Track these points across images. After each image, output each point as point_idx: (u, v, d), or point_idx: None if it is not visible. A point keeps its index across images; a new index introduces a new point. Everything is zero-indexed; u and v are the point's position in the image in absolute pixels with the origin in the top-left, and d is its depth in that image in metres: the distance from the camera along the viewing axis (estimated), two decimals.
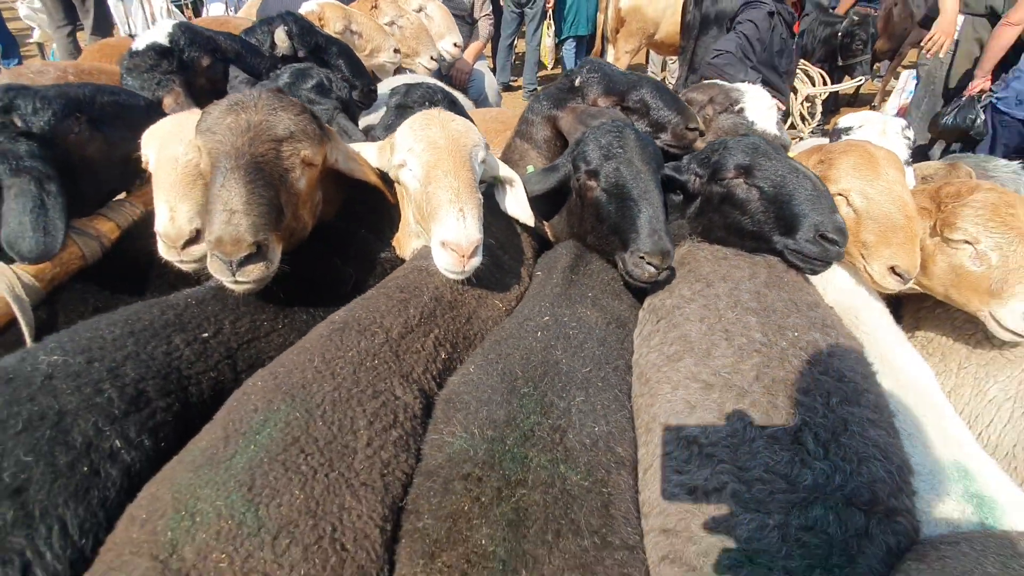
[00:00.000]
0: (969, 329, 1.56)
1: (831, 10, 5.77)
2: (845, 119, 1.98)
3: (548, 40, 6.70)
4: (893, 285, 1.42)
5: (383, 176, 1.57)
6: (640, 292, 1.50)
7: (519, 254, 1.60)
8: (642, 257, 1.29)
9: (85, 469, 0.93)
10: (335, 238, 1.51)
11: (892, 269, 1.39)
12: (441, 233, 1.24)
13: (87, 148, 1.54)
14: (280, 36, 2.14)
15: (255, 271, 1.19)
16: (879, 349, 1.40)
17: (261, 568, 0.80)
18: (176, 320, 1.17)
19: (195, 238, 1.34)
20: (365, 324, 1.16)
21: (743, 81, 2.18)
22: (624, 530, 0.97)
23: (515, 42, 6.98)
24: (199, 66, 1.88)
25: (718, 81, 2.10)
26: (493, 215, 1.58)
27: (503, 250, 1.54)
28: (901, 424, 1.19)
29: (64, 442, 0.93)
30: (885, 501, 0.96)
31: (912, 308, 1.75)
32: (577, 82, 1.71)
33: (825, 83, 4.03)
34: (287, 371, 1.06)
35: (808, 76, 4.02)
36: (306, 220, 1.43)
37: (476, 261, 1.26)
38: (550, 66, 7.25)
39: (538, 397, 1.08)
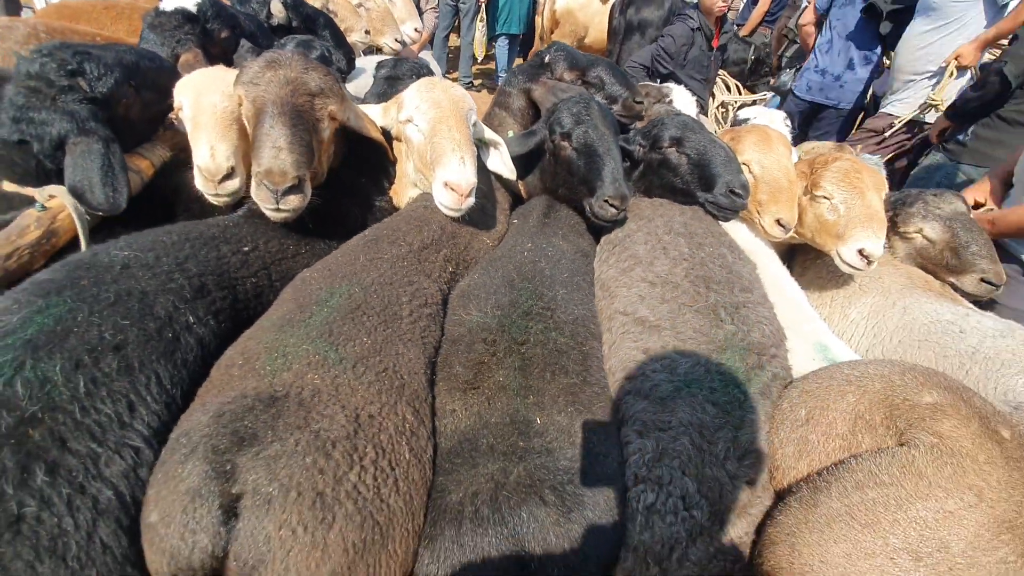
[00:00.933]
0: (837, 272, 2.13)
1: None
2: (743, 112, 2.59)
3: (478, 33, 7.06)
4: (778, 233, 1.90)
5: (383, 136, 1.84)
6: (597, 233, 1.91)
7: (500, 205, 1.95)
8: (607, 200, 1.68)
9: (169, 335, 1.13)
10: (341, 184, 1.76)
11: (778, 221, 1.89)
12: (444, 175, 1.54)
13: (131, 111, 1.70)
14: (276, 6, 2.33)
15: (295, 200, 1.42)
16: (769, 276, 1.91)
17: (347, 384, 1.07)
18: (221, 235, 1.38)
19: (229, 175, 1.52)
20: (393, 238, 1.45)
21: None
22: (597, 375, 1.35)
23: (449, 35, 7.29)
24: (218, 36, 2.05)
25: (652, 84, 2.63)
26: (478, 173, 1.91)
27: (487, 199, 1.88)
28: (784, 320, 1.69)
29: (151, 313, 1.13)
30: (768, 349, 1.43)
31: (800, 259, 2.31)
32: (547, 59, 2.13)
33: (740, 93, 4.77)
34: (338, 265, 1.32)
35: (727, 85, 4.73)
36: (324, 166, 1.68)
37: (471, 201, 1.58)
38: (480, 58, 7.61)
39: (531, 289, 1.43)
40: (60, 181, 1.52)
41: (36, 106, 1.48)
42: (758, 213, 1.94)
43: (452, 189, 1.54)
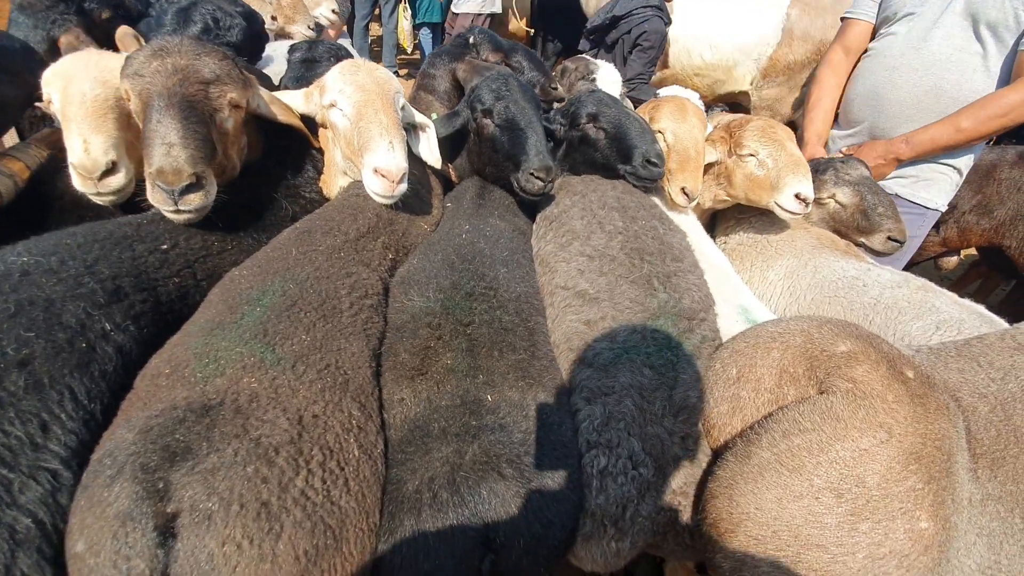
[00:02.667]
0: (753, 237, 2.29)
1: None
2: (663, 90, 2.72)
3: (406, 23, 6.88)
4: (682, 202, 2.00)
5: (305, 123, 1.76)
6: (532, 212, 1.94)
7: (433, 190, 1.93)
8: (532, 173, 1.71)
9: (83, 345, 1.04)
10: (264, 176, 1.67)
11: (683, 190, 1.99)
12: (374, 161, 1.51)
13: None
14: None
15: (195, 199, 1.33)
16: (693, 244, 2.04)
17: (287, 386, 1.04)
18: (135, 233, 1.28)
19: (110, 170, 1.39)
20: (327, 229, 1.41)
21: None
22: (544, 349, 1.39)
23: (369, 24, 7.07)
24: (97, 17, 1.84)
25: (586, 56, 2.68)
26: (410, 158, 1.88)
27: (420, 185, 1.86)
28: (710, 286, 1.82)
29: (59, 322, 1.03)
30: (697, 314, 1.53)
31: (721, 227, 2.48)
32: (471, 40, 2.12)
33: None
34: (268, 260, 1.27)
35: None
36: (235, 160, 1.58)
37: (403, 187, 1.56)
38: (409, 50, 7.44)
39: (472, 270, 1.45)
40: None
41: None
42: (667, 182, 2.04)
43: (382, 175, 1.51)
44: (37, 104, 1.57)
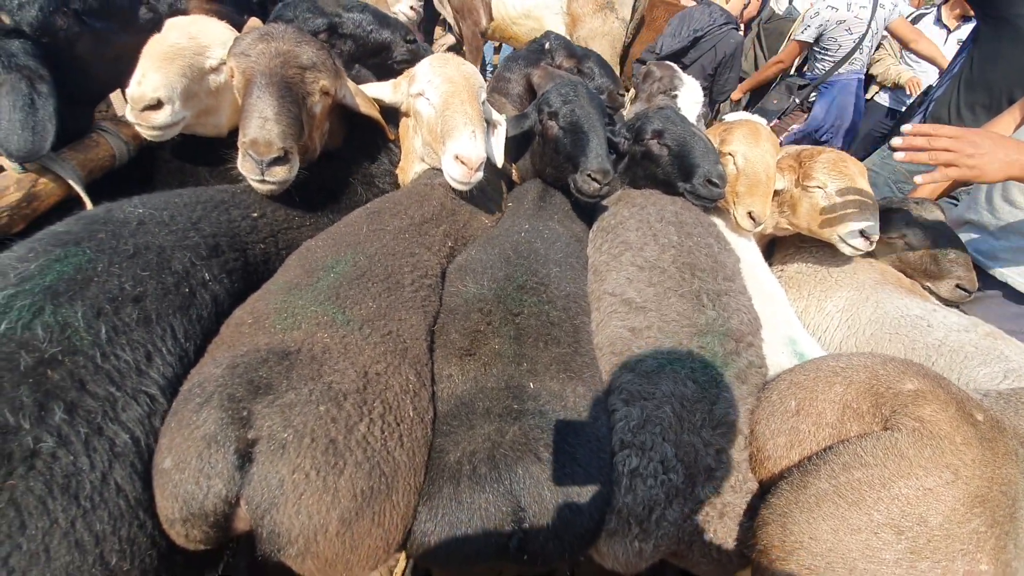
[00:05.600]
0: (813, 267, 2.30)
1: None
2: (729, 116, 2.77)
3: None
4: (748, 225, 2.05)
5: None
6: (589, 219, 2.04)
7: (497, 187, 2.07)
8: (589, 175, 1.81)
9: (186, 290, 1.22)
10: (343, 162, 1.86)
11: (749, 214, 2.04)
12: (456, 148, 1.64)
13: (76, 46, 1.58)
14: None
15: (280, 172, 1.48)
16: (747, 269, 2.07)
17: (355, 344, 1.17)
18: (231, 199, 1.47)
19: (155, 106, 1.51)
20: (394, 211, 1.56)
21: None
22: (587, 347, 1.48)
23: None
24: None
25: (674, 66, 2.78)
26: None
27: (486, 182, 1.99)
28: (759, 312, 1.85)
29: (168, 268, 1.21)
30: (745, 337, 1.58)
31: (779, 254, 2.49)
32: (547, 46, 2.27)
33: None
34: (341, 235, 1.42)
35: None
36: (316, 143, 1.76)
37: (479, 175, 1.68)
38: None
39: (526, 266, 1.56)
40: None
41: None
42: (734, 204, 2.10)
43: (462, 162, 1.64)
44: None
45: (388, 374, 1.18)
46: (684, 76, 2.65)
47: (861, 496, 1.04)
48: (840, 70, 4.61)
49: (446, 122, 1.66)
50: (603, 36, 4.45)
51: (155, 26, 1.69)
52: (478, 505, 1.20)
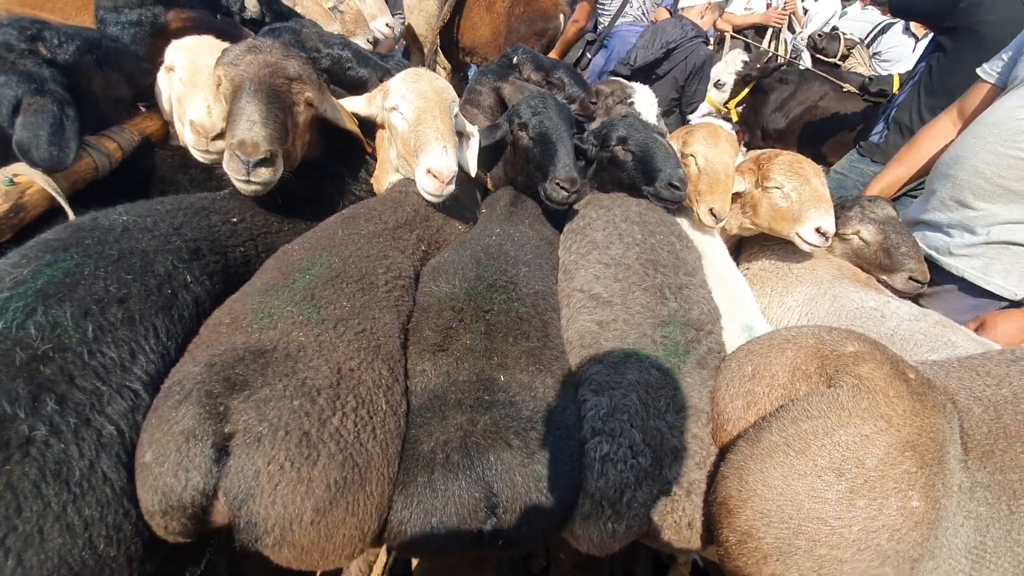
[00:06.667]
0: (775, 264, 2.43)
1: None
2: (695, 117, 2.94)
3: None
4: (710, 222, 2.18)
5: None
6: (559, 223, 2.16)
7: (471, 195, 2.19)
8: (558, 183, 1.94)
9: (168, 291, 1.30)
10: (321, 172, 1.96)
11: (711, 210, 2.17)
12: (428, 162, 1.76)
13: (92, 83, 1.81)
14: (251, 1, 2.53)
15: (265, 174, 1.58)
16: (714, 266, 2.20)
17: (329, 342, 1.26)
18: (211, 206, 1.56)
19: (221, 135, 1.68)
20: (369, 216, 1.66)
21: None
22: (555, 341, 1.58)
23: None
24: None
25: (619, 80, 2.95)
26: None
27: (461, 189, 2.11)
28: (722, 306, 1.97)
29: (151, 271, 1.29)
30: (705, 326, 1.69)
31: (745, 253, 2.64)
32: (515, 60, 2.41)
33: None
34: (317, 239, 1.52)
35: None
36: (297, 152, 1.86)
37: (451, 188, 1.79)
38: None
39: (496, 267, 1.66)
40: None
41: None
42: (696, 202, 2.23)
43: (435, 176, 1.76)
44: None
45: (361, 370, 1.27)
46: (633, 84, 2.83)
47: (807, 445, 1.15)
48: (617, 23, 5.06)
49: (419, 137, 1.77)
50: (419, 12, 4.84)
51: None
52: (452, 492, 1.27)
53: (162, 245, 1.35)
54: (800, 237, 2.17)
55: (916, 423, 1.17)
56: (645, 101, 2.70)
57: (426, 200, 1.83)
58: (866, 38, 6.48)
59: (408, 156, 1.85)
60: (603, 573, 2.24)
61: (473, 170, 2.16)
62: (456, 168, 1.77)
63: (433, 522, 1.28)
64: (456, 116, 1.94)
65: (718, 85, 5.10)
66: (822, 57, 5.56)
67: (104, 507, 1.06)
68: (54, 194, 1.54)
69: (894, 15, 3.92)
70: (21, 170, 1.58)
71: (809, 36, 5.71)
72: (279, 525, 1.08)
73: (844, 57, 5.45)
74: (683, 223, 2.32)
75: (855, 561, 1.07)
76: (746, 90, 5.12)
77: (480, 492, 1.28)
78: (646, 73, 4.47)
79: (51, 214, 1.61)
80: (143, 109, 1.96)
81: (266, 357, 1.18)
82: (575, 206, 2.23)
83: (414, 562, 2.29)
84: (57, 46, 1.66)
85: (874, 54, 6.36)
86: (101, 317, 1.17)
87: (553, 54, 5.24)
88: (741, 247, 2.69)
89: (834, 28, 6.39)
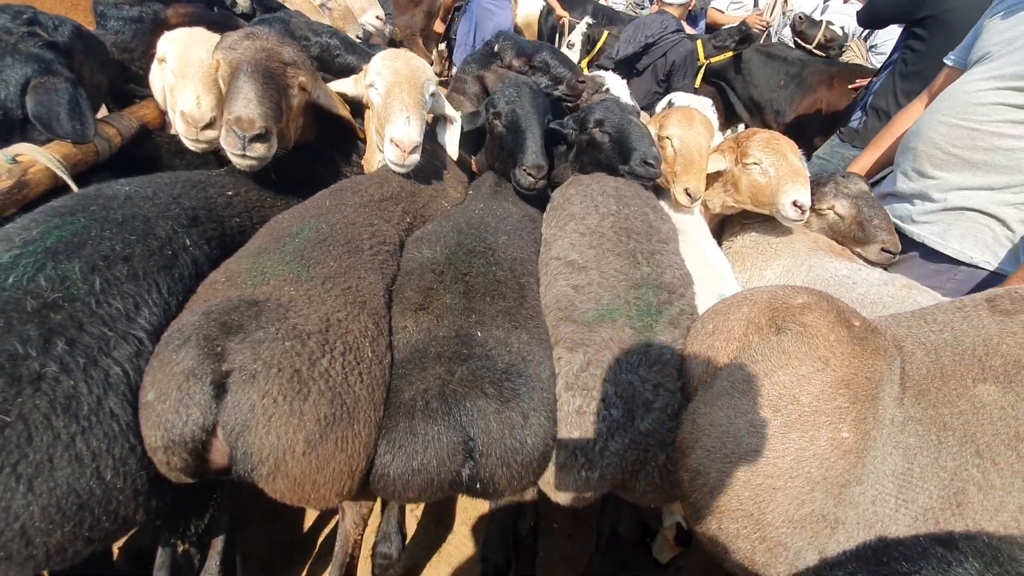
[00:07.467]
0: (755, 240, 2.54)
1: None
2: (675, 98, 3.09)
3: None
4: (686, 202, 2.30)
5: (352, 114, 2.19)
6: (541, 203, 2.28)
7: (458, 177, 2.32)
8: (525, 169, 2.07)
9: (169, 252, 1.43)
10: (313, 154, 2.10)
11: (686, 191, 2.30)
12: (391, 131, 1.89)
13: (83, 70, 1.96)
14: None
15: (260, 149, 1.70)
16: (695, 242, 2.32)
17: (318, 296, 1.38)
18: (207, 180, 1.69)
19: (210, 124, 1.81)
20: (355, 190, 1.79)
21: None
22: (531, 302, 1.69)
23: None
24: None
25: (589, 74, 3.10)
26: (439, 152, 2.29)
27: (447, 170, 2.24)
28: (700, 278, 2.08)
29: (153, 234, 1.42)
30: (677, 289, 1.80)
31: (727, 232, 2.75)
32: (496, 48, 2.55)
33: None
34: (307, 208, 1.65)
35: None
36: (290, 135, 1.99)
37: (415, 158, 1.92)
38: None
39: (477, 235, 1.79)
40: (26, 132, 1.74)
41: None
42: (672, 183, 2.36)
43: (396, 145, 1.89)
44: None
45: (348, 320, 1.38)
46: (601, 73, 2.97)
47: (750, 386, 1.26)
48: None
49: (386, 109, 1.91)
50: None
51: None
52: (431, 436, 1.38)
53: (162, 211, 1.48)
54: (779, 211, 2.28)
55: (853, 364, 1.27)
56: (616, 84, 2.85)
57: (393, 170, 1.95)
58: (862, 32, 6.63)
59: (380, 130, 1.98)
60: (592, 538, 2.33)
61: (454, 153, 2.29)
62: (419, 139, 1.89)
63: (414, 465, 1.39)
64: (434, 95, 2.07)
65: (569, 45, 5.59)
66: (800, 41, 5.70)
67: (111, 440, 1.18)
68: (57, 171, 1.67)
69: (863, 27, 4.13)
70: (23, 150, 1.71)
71: (794, 16, 5.86)
72: (273, 455, 1.19)
73: (828, 46, 5.58)
74: (664, 205, 2.44)
75: (787, 488, 1.17)
76: (595, 49, 5.57)
77: (458, 437, 1.39)
78: (627, 67, 4.62)
79: (54, 192, 1.73)
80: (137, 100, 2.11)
81: (259, 306, 1.30)
82: (559, 187, 2.36)
83: (410, 528, 2.39)
84: (54, 29, 1.80)
85: (871, 47, 6.50)
86: (108, 272, 1.29)
87: (438, 23, 5.60)
88: (723, 227, 2.81)
89: (829, 22, 6.53)
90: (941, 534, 1.08)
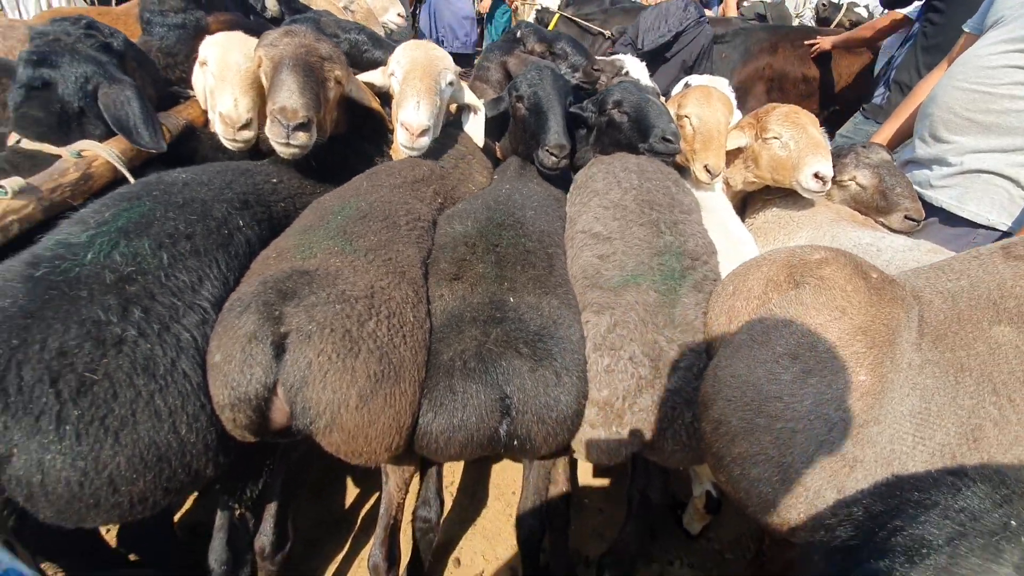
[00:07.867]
0: (778, 215, 2.57)
1: None
2: (693, 80, 3.14)
3: None
4: (705, 178, 2.35)
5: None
6: (565, 184, 2.38)
7: (483, 162, 2.44)
8: (548, 150, 2.17)
9: (225, 232, 1.57)
10: (347, 145, 2.23)
11: (706, 167, 2.35)
12: (402, 115, 2.01)
13: (134, 76, 2.11)
14: (271, 1, 2.87)
15: (303, 137, 1.84)
16: (718, 217, 2.38)
17: (362, 267, 1.50)
18: (254, 169, 1.84)
19: (246, 125, 1.97)
20: (389, 172, 1.92)
21: None
22: (560, 270, 1.79)
23: None
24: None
25: (605, 59, 3.18)
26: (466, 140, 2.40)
27: (474, 156, 2.36)
28: (724, 251, 2.15)
29: (211, 215, 1.57)
30: (700, 256, 1.88)
31: (750, 209, 2.80)
32: (519, 35, 2.66)
33: None
34: (346, 190, 1.78)
35: None
36: (326, 127, 2.13)
37: (424, 141, 2.03)
38: None
39: (505, 210, 1.89)
40: (82, 125, 1.90)
41: (58, 51, 1.84)
42: (692, 160, 2.41)
43: (405, 128, 2.01)
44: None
45: (390, 288, 1.51)
46: (619, 56, 3.04)
47: (768, 337, 1.33)
48: None
49: (400, 95, 2.03)
50: None
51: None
52: (470, 394, 1.49)
53: (217, 195, 1.62)
54: (800, 184, 2.32)
55: (871, 312, 1.33)
56: (636, 67, 2.92)
57: (403, 152, 2.06)
58: (884, 11, 6.55)
59: (395, 114, 2.11)
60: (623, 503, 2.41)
61: (480, 140, 2.40)
62: (427, 123, 1.99)
63: (455, 422, 1.50)
64: (451, 83, 2.18)
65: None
66: (824, 28, 5.67)
67: (185, 398, 1.32)
68: (117, 165, 1.84)
69: (885, 7, 4.13)
70: (86, 145, 1.88)
71: (817, 3, 5.82)
72: (329, 408, 1.32)
73: (853, 26, 5.53)
74: (687, 184, 2.52)
75: (807, 431, 1.24)
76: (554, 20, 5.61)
77: (495, 394, 1.49)
78: (654, 56, 4.69)
79: (114, 184, 1.91)
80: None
81: (310, 275, 1.43)
82: (580, 169, 2.45)
83: (446, 503, 2.51)
84: (109, 34, 1.99)
85: None
86: (173, 249, 1.44)
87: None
88: (746, 205, 2.86)
89: (852, 3, 6.47)
90: (953, 467, 1.15)
